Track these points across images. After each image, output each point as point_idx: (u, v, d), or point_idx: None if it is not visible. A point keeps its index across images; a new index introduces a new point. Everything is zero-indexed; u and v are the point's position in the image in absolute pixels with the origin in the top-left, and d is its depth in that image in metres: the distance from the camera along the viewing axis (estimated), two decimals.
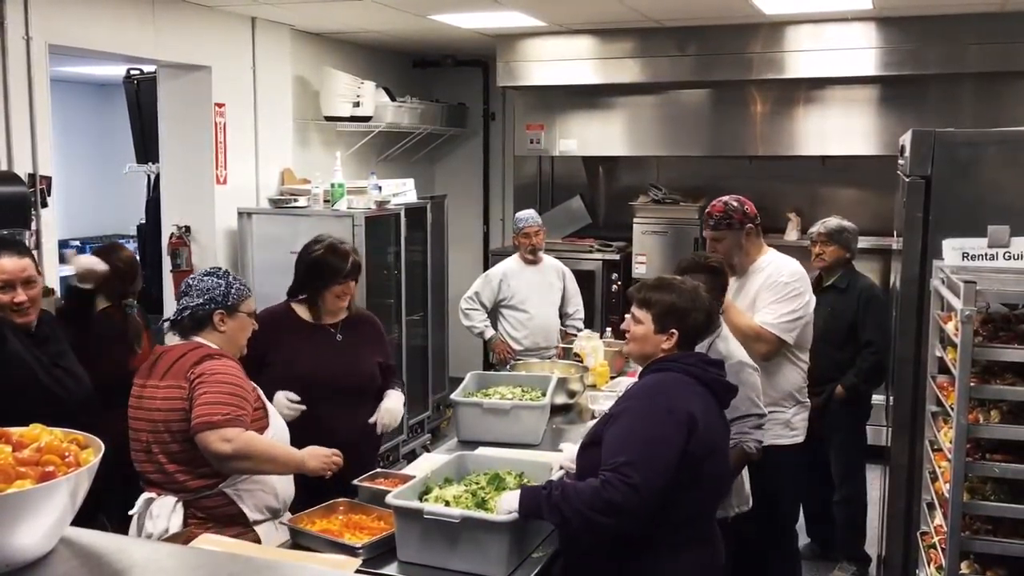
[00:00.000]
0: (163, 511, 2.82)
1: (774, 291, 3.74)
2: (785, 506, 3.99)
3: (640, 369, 2.84)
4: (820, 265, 4.72)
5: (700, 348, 2.92)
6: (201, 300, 3.02)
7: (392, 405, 3.65)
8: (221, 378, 2.86)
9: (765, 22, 6.11)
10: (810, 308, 3.81)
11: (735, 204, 3.84)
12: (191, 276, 3.20)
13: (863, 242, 6.52)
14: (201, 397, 2.80)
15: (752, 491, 3.63)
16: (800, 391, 3.87)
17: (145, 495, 2.90)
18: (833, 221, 4.80)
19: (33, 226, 4.25)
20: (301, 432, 3.20)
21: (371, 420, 3.60)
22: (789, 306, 3.71)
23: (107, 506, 3.21)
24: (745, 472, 3.44)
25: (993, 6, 5.50)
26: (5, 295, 3.06)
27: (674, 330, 2.70)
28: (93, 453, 1.38)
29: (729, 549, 3.94)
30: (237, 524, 2.88)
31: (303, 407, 3.38)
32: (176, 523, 2.78)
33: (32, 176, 4.44)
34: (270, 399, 3.20)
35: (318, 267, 3.56)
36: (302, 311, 3.64)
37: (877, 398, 5.10)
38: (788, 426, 3.83)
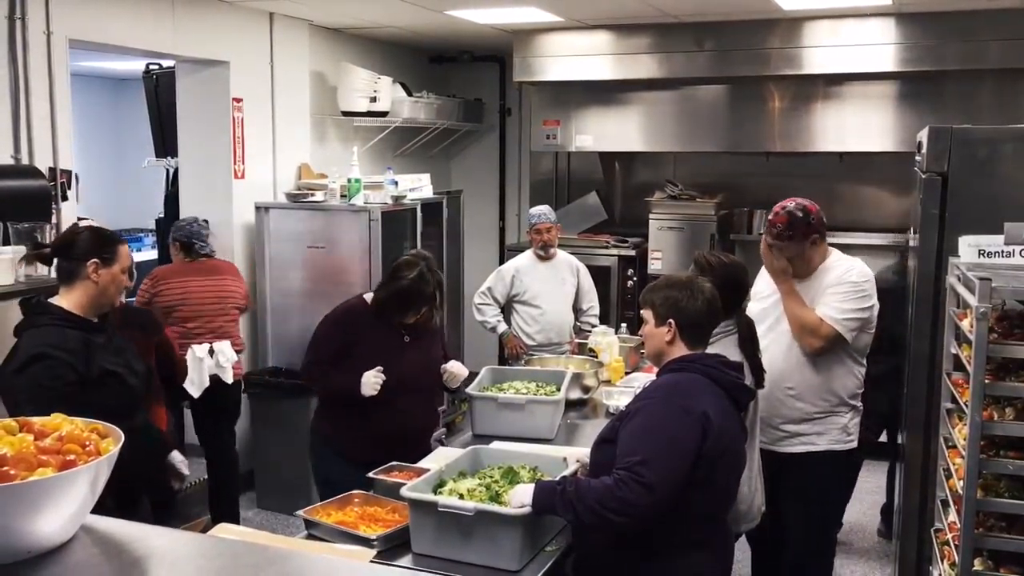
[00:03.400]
0: (225, 348, 4.88)
1: (841, 288, 3.57)
2: (833, 511, 3.91)
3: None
4: None
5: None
6: None
7: (457, 368, 3.94)
8: None
9: (783, 18, 6.08)
10: (874, 312, 3.64)
11: (799, 215, 3.58)
12: (181, 226, 5.07)
13: (881, 239, 6.53)
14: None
15: (798, 496, 3.64)
16: (854, 396, 3.71)
17: (201, 347, 4.80)
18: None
19: (54, 220, 4.29)
20: (383, 423, 3.66)
21: (442, 370, 3.91)
22: (854, 304, 3.55)
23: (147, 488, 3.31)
24: (759, 489, 3.44)
25: (1013, 2, 5.46)
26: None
27: (671, 320, 2.72)
28: (113, 443, 1.40)
29: (769, 552, 3.96)
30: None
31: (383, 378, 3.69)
32: (235, 355, 4.94)
33: (53, 170, 4.48)
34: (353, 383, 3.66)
35: (403, 296, 3.67)
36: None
37: None
38: (845, 431, 3.69)
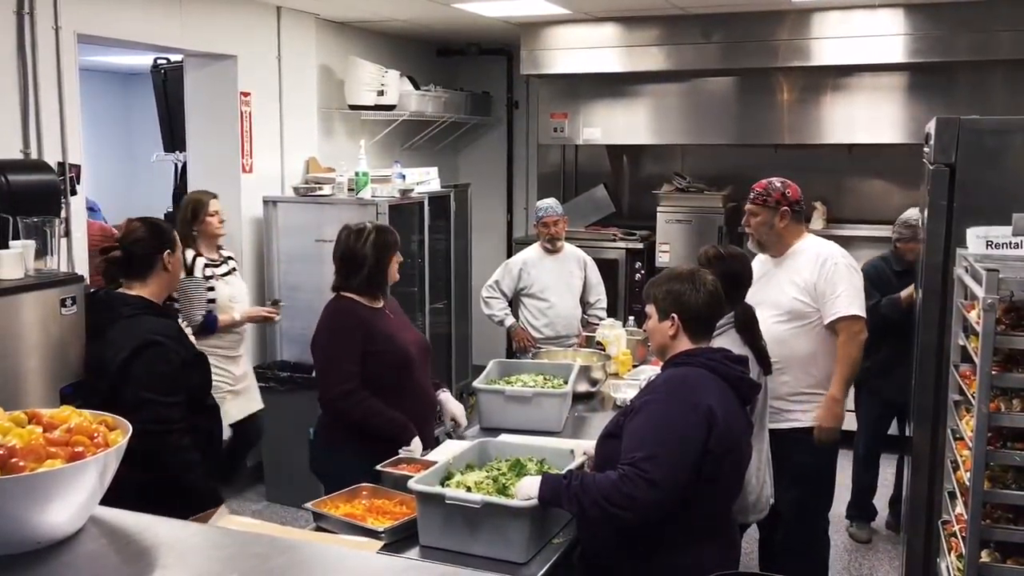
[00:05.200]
0: None
1: (847, 280, 3.78)
2: (822, 488, 3.97)
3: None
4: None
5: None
6: None
7: (456, 407, 3.87)
8: None
9: (792, 9, 6.07)
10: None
11: (777, 184, 3.98)
12: None
13: (890, 231, 6.49)
14: None
15: (786, 472, 3.66)
16: None
17: None
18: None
19: (63, 214, 4.30)
20: (408, 402, 3.54)
21: (448, 419, 3.85)
22: (859, 284, 3.83)
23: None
24: (767, 480, 3.44)
25: None
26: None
27: (674, 314, 2.72)
28: (121, 434, 1.41)
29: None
30: None
31: None
32: None
33: (62, 164, 4.50)
34: (381, 384, 3.52)
35: (385, 247, 3.61)
36: (362, 299, 3.62)
37: None
38: None
